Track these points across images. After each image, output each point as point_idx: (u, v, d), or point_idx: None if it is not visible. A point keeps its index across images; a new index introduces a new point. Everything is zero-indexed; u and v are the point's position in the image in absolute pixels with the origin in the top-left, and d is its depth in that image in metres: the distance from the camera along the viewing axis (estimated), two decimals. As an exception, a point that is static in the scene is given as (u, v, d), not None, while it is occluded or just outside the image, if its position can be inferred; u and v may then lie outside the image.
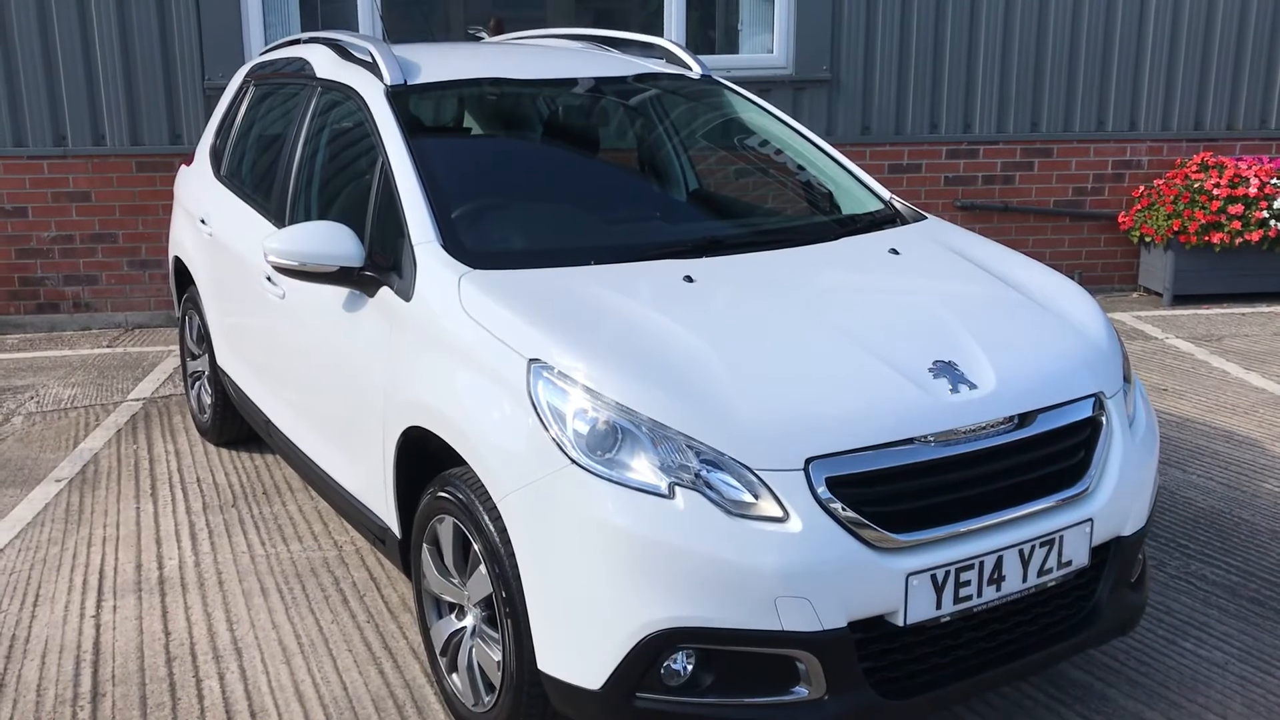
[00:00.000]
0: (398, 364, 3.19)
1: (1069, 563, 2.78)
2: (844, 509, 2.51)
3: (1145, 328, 7.05)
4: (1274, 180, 7.38)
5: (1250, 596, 3.73)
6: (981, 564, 2.63)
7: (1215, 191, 7.33)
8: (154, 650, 3.52)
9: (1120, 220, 7.84)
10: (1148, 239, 7.68)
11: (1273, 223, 7.29)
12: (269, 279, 4.00)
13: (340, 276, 3.37)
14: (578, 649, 2.60)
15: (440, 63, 4.11)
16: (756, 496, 2.50)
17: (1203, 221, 7.31)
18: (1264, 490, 4.54)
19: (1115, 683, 3.25)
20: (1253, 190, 7.31)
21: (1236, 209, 7.29)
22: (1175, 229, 7.39)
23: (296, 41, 4.86)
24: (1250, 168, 7.45)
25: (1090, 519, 2.79)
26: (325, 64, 4.28)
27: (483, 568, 2.82)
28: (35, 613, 3.76)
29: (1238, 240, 7.32)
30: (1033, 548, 2.70)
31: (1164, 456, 4.80)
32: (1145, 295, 7.91)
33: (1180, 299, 7.61)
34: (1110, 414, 2.94)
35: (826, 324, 2.93)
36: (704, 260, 3.25)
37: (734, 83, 4.49)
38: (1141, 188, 7.80)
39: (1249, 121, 7.92)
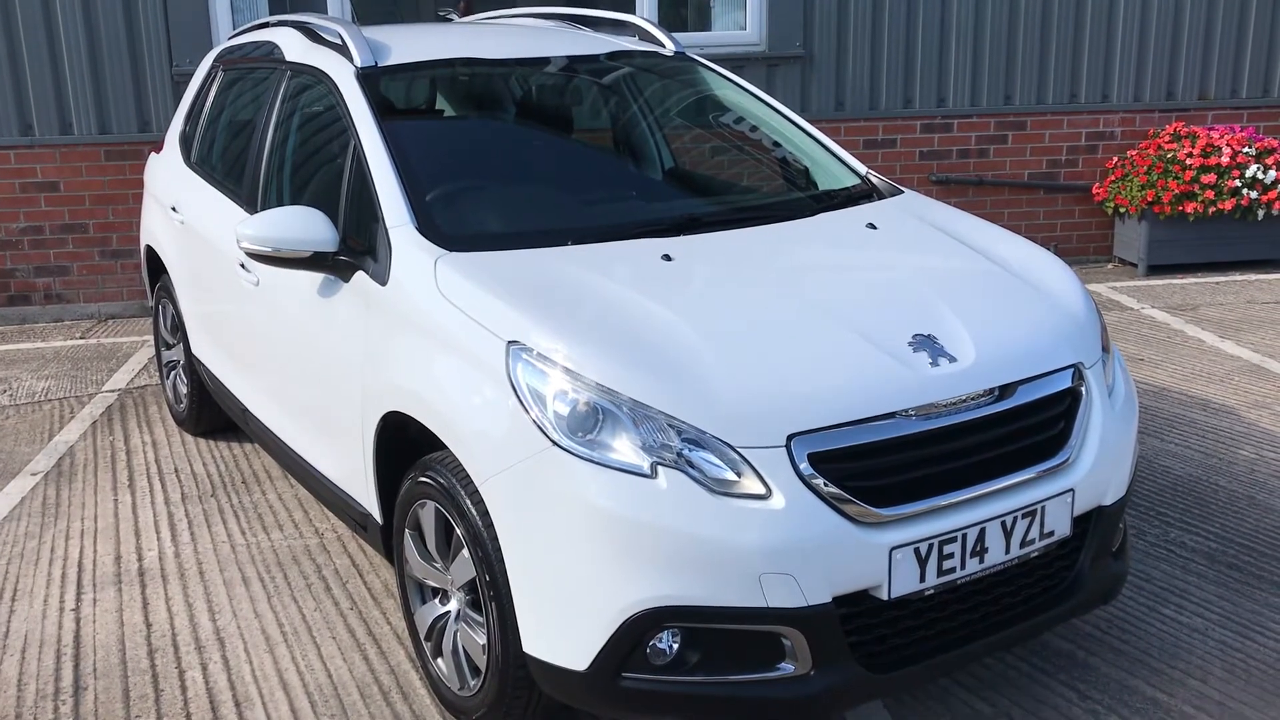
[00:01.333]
0: (375, 349, 3.16)
1: (1051, 533, 2.79)
2: (826, 485, 2.51)
3: (1121, 298, 7.09)
4: (1246, 149, 7.42)
5: (1229, 562, 3.76)
6: (964, 536, 2.64)
7: (1188, 161, 7.36)
8: (135, 642, 3.49)
9: (1094, 192, 7.86)
10: (1122, 210, 7.71)
11: (1245, 191, 7.33)
12: (242, 266, 3.96)
13: (314, 262, 3.34)
14: (563, 631, 2.59)
15: (411, 44, 4.07)
16: (739, 474, 2.50)
17: (1176, 191, 7.34)
18: (1240, 457, 4.58)
19: (1098, 651, 3.28)
20: (1225, 159, 7.34)
21: (1210, 178, 7.32)
22: (1149, 199, 7.42)
23: (265, 25, 4.80)
24: (1223, 137, 7.48)
25: (1071, 489, 2.80)
26: (294, 47, 4.23)
27: (466, 552, 2.80)
28: (14, 607, 3.72)
29: (1211, 210, 7.35)
30: (1015, 519, 2.71)
31: (1142, 425, 4.83)
32: (1120, 266, 7.95)
33: (1155, 269, 7.64)
34: (1089, 384, 2.95)
35: (806, 300, 2.92)
36: (682, 238, 3.23)
37: (707, 60, 4.46)
38: (1115, 159, 7.83)
39: (1220, 91, 7.95)
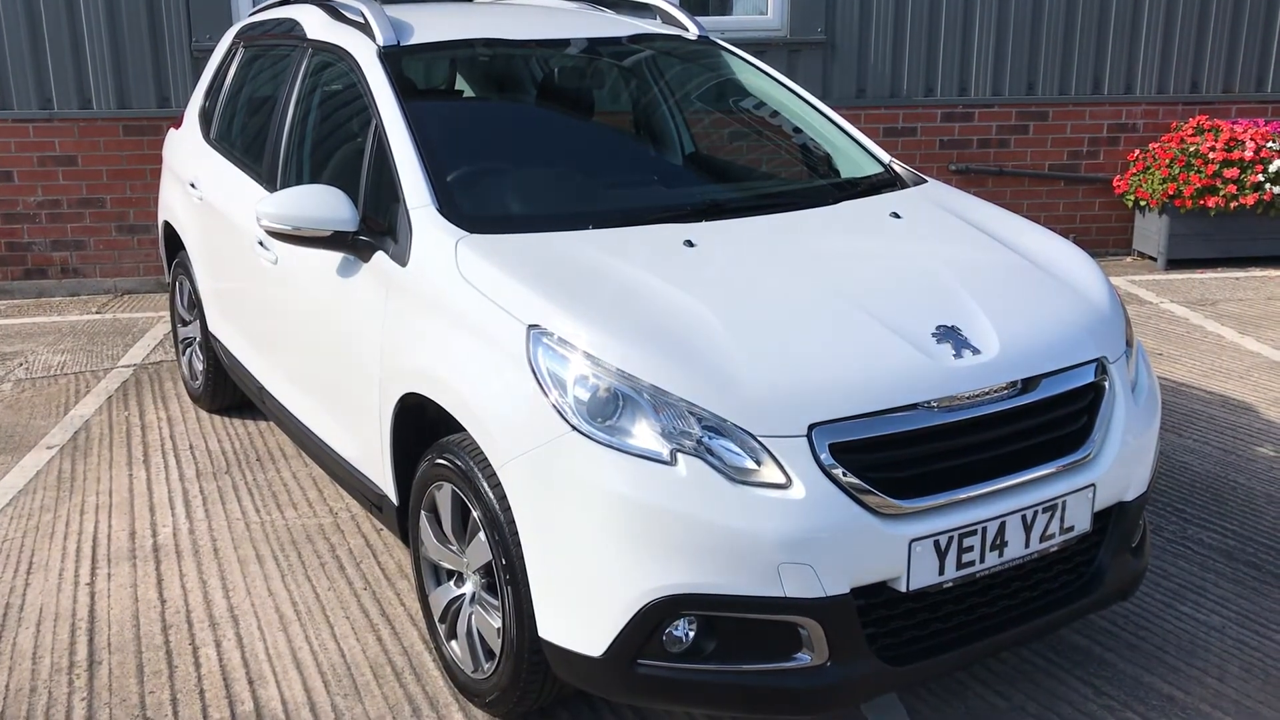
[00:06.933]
0: (394, 330, 3.15)
1: (1071, 528, 2.77)
2: (847, 475, 2.49)
3: (1139, 292, 7.04)
4: (1270, 144, 7.35)
5: (1247, 560, 3.73)
6: (984, 530, 2.62)
7: (1211, 155, 7.30)
8: (150, 618, 3.50)
9: (1115, 184, 7.81)
10: (1142, 203, 7.65)
11: (1268, 186, 7.27)
12: (261, 244, 3.95)
13: (334, 241, 3.33)
14: (579, 616, 2.58)
15: (433, 23, 4.04)
16: (759, 463, 2.48)
17: (1198, 185, 7.29)
18: (1259, 455, 4.55)
19: (1114, 647, 3.26)
20: (1249, 154, 7.28)
21: (1232, 173, 7.26)
22: (1170, 193, 7.36)
23: (286, 2, 4.78)
24: (1246, 131, 7.41)
25: (1093, 484, 2.78)
26: (316, 25, 4.21)
27: (482, 535, 2.80)
28: (29, 580, 3.73)
29: (1233, 204, 7.30)
30: (1035, 513, 2.69)
31: (1161, 421, 4.80)
32: (1139, 260, 7.90)
33: (1174, 263, 7.59)
34: (1113, 379, 2.93)
35: (829, 288, 2.90)
36: (704, 224, 3.21)
37: (728, 44, 4.43)
38: (1137, 151, 7.77)
39: (1245, 84, 7.88)
